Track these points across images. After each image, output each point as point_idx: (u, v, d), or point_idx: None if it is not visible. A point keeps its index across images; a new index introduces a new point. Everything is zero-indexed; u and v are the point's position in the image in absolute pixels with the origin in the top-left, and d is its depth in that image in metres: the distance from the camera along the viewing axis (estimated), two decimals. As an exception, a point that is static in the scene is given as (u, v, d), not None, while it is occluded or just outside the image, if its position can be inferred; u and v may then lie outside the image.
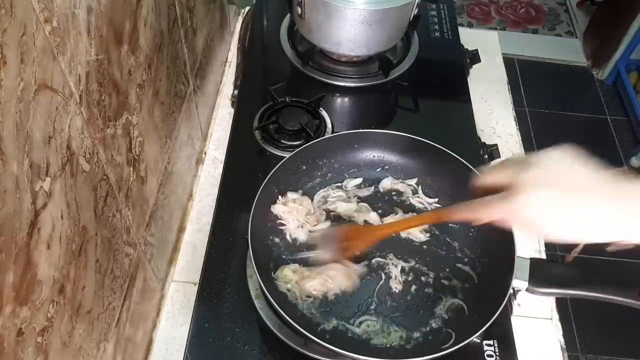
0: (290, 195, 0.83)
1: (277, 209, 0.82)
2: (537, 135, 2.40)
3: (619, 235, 0.50)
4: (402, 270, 0.78)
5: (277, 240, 0.81)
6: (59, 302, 0.51)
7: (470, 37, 1.25)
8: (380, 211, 0.85)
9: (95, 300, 0.60)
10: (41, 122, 0.45)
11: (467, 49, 1.19)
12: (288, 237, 0.81)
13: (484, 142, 1.00)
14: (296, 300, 0.75)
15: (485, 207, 0.56)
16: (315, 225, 0.82)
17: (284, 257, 0.79)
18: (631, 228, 0.49)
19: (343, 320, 0.74)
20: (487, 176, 0.58)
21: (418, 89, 1.09)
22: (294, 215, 0.81)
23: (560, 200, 0.50)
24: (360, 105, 1.09)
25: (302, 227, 0.81)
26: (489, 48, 1.28)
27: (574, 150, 0.52)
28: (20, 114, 0.42)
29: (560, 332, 0.87)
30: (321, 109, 1.01)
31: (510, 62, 2.65)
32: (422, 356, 0.65)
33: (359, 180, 0.89)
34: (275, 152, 0.95)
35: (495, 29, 2.92)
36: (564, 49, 2.84)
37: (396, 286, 0.77)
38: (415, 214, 0.85)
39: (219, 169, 1.00)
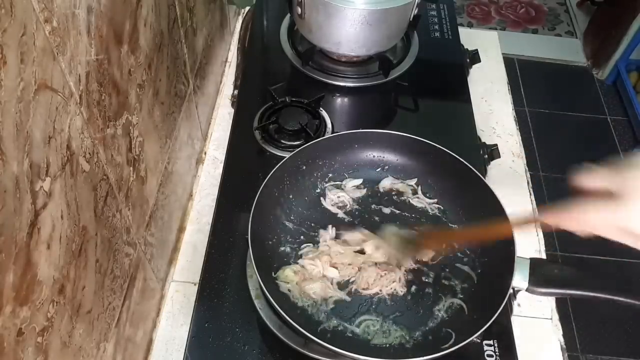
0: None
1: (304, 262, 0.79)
2: (537, 135, 2.40)
3: None
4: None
5: (277, 240, 0.81)
6: (59, 302, 0.51)
7: (470, 37, 1.25)
8: (378, 217, 0.85)
9: (95, 300, 0.60)
10: (41, 122, 0.45)
11: (467, 49, 1.19)
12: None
13: (484, 142, 1.01)
14: (296, 300, 0.75)
15: (589, 214, 0.49)
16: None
17: (284, 257, 0.79)
18: None
19: (343, 320, 0.74)
20: (588, 178, 0.50)
21: (418, 89, 1.09)
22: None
23: None
24: (360, 105, 1.09)
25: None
26: (489, 48, 1.28)
27: None
28: (20, 114, 0.42)
29: (560, 332, 0.87)
30: (321, 109, 1.01)
31: (510, 62, 2.65)
32: (422, 356, 0.65)
33: (359, 181, 0.89)
34: (275, 152, 0.95)
35: (495, 29, 2.92)
36: (564, 49, 2.84)
37: (401, 289, 0.77)
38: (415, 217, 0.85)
39: (219, 169, 1.00)
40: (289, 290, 0.75)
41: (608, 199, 0.48)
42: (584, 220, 0.49)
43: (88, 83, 0.53)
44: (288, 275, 0.76)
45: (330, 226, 0.83)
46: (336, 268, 0.78)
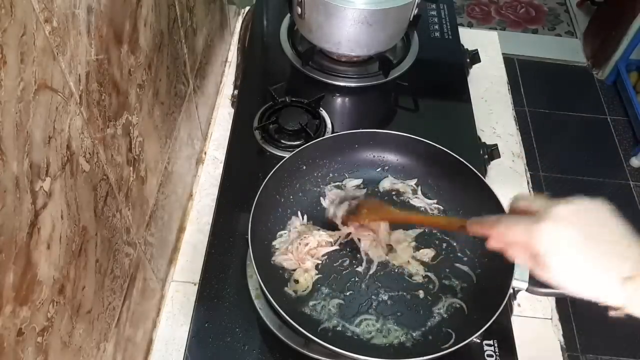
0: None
1: (279, 258, 0.79)
2: (537, 135, 2.40)
3: (623, 301, 0.48)
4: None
5: (277, 241, 0.81)
6: (59, 302, 0.51)
7: (470, 37, 1.25)
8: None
9: (95, 300, 0.60)
10: (41, 122, 0.45)
11: (467, 49, 1.19)
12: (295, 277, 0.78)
13: (484, 142, 1.01)
14: (298, 300, 0.75)
15: (508, 224, 0.54)
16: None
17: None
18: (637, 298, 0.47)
19: (343, 320, 0.74)
20: (520, 201, 0.56)
21: (418, 89, 1.09)
22: (294, 258, 0.79)
23: (579, 243, 0.49)
24: (360, 105, 1.09)
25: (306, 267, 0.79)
26: (489, 48, 1.28)
27: (610, 206, 0.50)
28: (20, 114, 0.42)
29: (560, 332, 0.87)
30: (321, 109, 1.01)
31: (510, 62, 2.65)
32: (422, 356, 0.65)
33: (359, 181, 0.89)
34: (275, 152, 0.95)
35: (495, 29, 2.92)
36: (564, 49, 2.84)
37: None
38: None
39: (219, 169, 1.00)
40: (294, 292, 0.76)
41: (531, 217, 0.52)
42: (502, 231, 0.54)
43: (88, 83, 0.53)
44: (303, 283, 0.76)
45: (299, 212, 0.83)
46: (312, 255, 0.78)
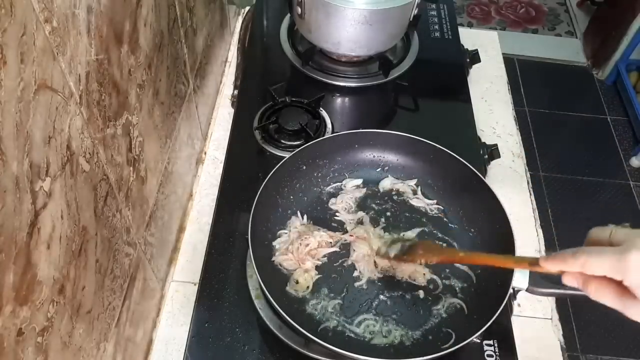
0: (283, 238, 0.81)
1: (279, 259, 0.79)
2: (537, 135, 2.40)
3: None
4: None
5: (277, 241, 0.81)
6: (59, 302, 0.51)
7: (470, 37, 1.25)
8: (375, 212, 0.85)
9: (95, 300, 0.60)
10: (41, 122, 0.45)
11: (467, 49, 1.19)
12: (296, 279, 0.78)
13: (484, 142, 1.01)
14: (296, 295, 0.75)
15: (591, 254, 0.48)
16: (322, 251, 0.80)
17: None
18: None
19: (343, 320, 0.74)
20: (600, 232, 0.51)
21: (418, 89, 1.09)
22: (294, 259, 0.79)
23: None
24: (360, 105, 1.09)
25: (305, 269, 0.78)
26: (489, 48, 1.28)
27: None
28: (20, 114, 0.42)
29: (560, 332, 0.87)
30: (321, 109, 1.01)
31: (510, 62, 2.65)
32: (422, 356, 0.65)
33: (359, 181, 0.89)
34: (275, 152, 0.95)
35: (495, 29, 2.92)
36: (564, 49, 2.84)
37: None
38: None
39: (219, 169, 1.00)
40: (296, 290, 0.76)
41: (618, 247, 0.47)
42: (584, 263, 0.48)
43: (88, 83, 0.53)
44: (303, 284, 0.76)
45: (299, 212, 0.83)
46: (312, 256, 0.79)
